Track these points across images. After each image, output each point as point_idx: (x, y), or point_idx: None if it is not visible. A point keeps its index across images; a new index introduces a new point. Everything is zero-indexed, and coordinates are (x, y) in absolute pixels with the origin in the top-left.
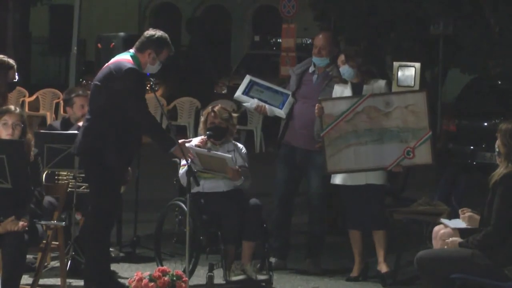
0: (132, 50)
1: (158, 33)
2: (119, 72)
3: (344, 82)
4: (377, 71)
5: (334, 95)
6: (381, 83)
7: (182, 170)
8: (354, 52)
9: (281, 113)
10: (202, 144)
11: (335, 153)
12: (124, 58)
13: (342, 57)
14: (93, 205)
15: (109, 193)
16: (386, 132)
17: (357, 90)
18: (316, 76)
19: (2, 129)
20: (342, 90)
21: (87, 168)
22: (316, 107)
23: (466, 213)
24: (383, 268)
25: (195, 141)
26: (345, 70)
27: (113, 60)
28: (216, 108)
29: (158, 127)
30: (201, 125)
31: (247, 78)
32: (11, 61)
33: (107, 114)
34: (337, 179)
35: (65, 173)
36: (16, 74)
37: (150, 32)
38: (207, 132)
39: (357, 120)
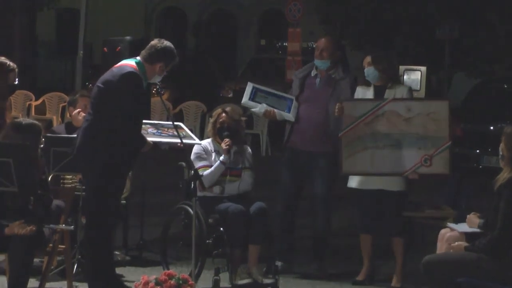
0: (138, 58)
1: (167, 44)
2: (117, 74)
3: (367, 84)
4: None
5: (356, 97)
6: (404, 89)
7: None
8: (381, 55)
9: (290, 116)
10: (230, 147)
11: (351, 154)
12: (129, 63)
13: (368, 59)
14: (89, 207)
15: (105, 194)
16: (404, 137)
17: (379, 93)
18: (319, 80)
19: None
20: (364, 92)
21: (83, 168)
22: (337, 107)
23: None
24: (395, 282)
25: (208, 144)
26: (370, 72)
27: (118, 64)
28: (227, 109)
29: (138, 138)
30: (210, 126)
31: (250, 86)
32: (12, 63)
33: (106, 115)
34: (354, 183)
35: (69, 176)
36: (17, 78)
37: (159, 44)
38: (225, 133)
39: (376, 123)
